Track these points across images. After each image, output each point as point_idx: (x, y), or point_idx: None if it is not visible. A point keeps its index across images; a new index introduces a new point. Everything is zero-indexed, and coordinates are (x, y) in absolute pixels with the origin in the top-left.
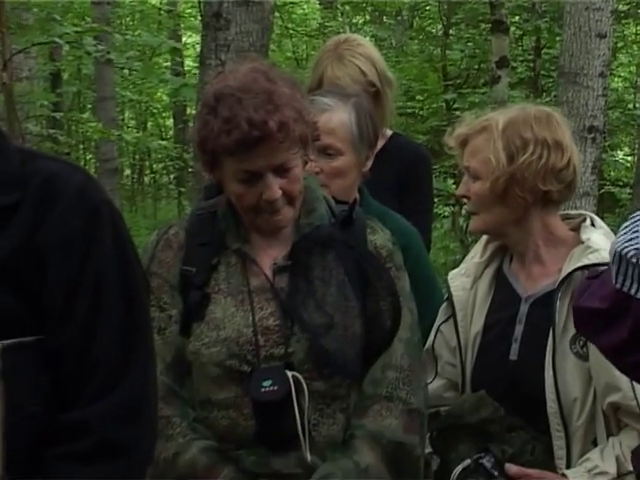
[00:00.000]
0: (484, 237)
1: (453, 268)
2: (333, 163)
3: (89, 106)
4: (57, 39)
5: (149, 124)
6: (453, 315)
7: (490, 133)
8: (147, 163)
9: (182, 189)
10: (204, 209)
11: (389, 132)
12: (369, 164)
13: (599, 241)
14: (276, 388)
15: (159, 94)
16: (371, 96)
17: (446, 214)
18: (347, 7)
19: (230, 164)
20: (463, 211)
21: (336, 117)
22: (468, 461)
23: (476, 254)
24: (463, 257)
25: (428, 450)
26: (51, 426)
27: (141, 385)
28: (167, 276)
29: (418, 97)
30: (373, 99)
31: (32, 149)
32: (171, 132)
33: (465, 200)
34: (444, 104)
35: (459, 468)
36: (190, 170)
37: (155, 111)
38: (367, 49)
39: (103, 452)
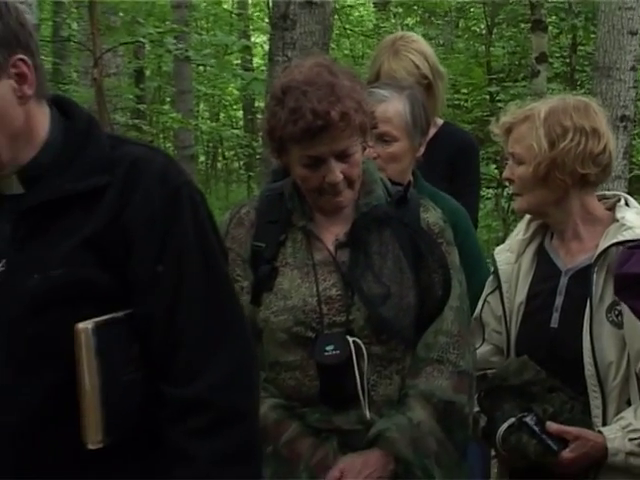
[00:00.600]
0: (527, 216)
1: (496, 245)
2: (389, 149)
3: (168, 99)
4: (141, 39)
5: (221, 115)
6: (499, 287)
7: (533, 122)
8: (220, 150)
9: (251, 174)
10: (272, 190)
11: (440, 121)
12: (422, 150)
13: (633, 219)
14: (338, 352)
15: (230, 88)
16: (424, 88)
17: (489, 196)
18: (399, 9)
19: (296, 150)
20: (505, 193)
21: (392, 107)
22: (513, 419)
23: (519, 232)
24: (505, 235)
25: (476, 409)
26: (152, 396)
27: (240, 350)
28: (239, 251)
29: (464, 90)
30: (426, 90)
31: (120, 135)
32: (241, 122)
33: (509, 183)
34: (488, 96)
35: (504, 426)
36: (258, 157)
37: (227, 103)
38: (421, 45)
39: (223, 423)
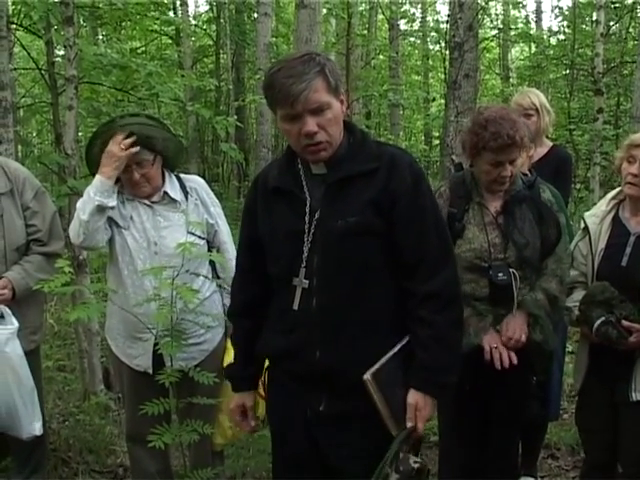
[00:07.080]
0: (608, 196)
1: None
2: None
3: (384, 130)
4: (374, 93)
5: (412, 138)
6: (588, 236)
7: None
8: None
9: (429, 172)
10: (456, 177)
11: (550, 143)
12: (531, 152)
13: None
14: (506, 278)
15: (418, 123)
16: (536, 115)
17: None
18: (517, 80)
19: (488, 156)
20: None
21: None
22: (603, 318)
23: (601, 206)
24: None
25: (572, 304)
26: (406, 292)
27: (454, 266)
28: None
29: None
30: (537, 116)
31: (379, 140)
32: (422, 140)
33: (632, 177)
34: (567, 132)
35: (598, 322)
36: (432, 159)
37: (415, 131)
38: (538, 92)
39: (448, 305)
